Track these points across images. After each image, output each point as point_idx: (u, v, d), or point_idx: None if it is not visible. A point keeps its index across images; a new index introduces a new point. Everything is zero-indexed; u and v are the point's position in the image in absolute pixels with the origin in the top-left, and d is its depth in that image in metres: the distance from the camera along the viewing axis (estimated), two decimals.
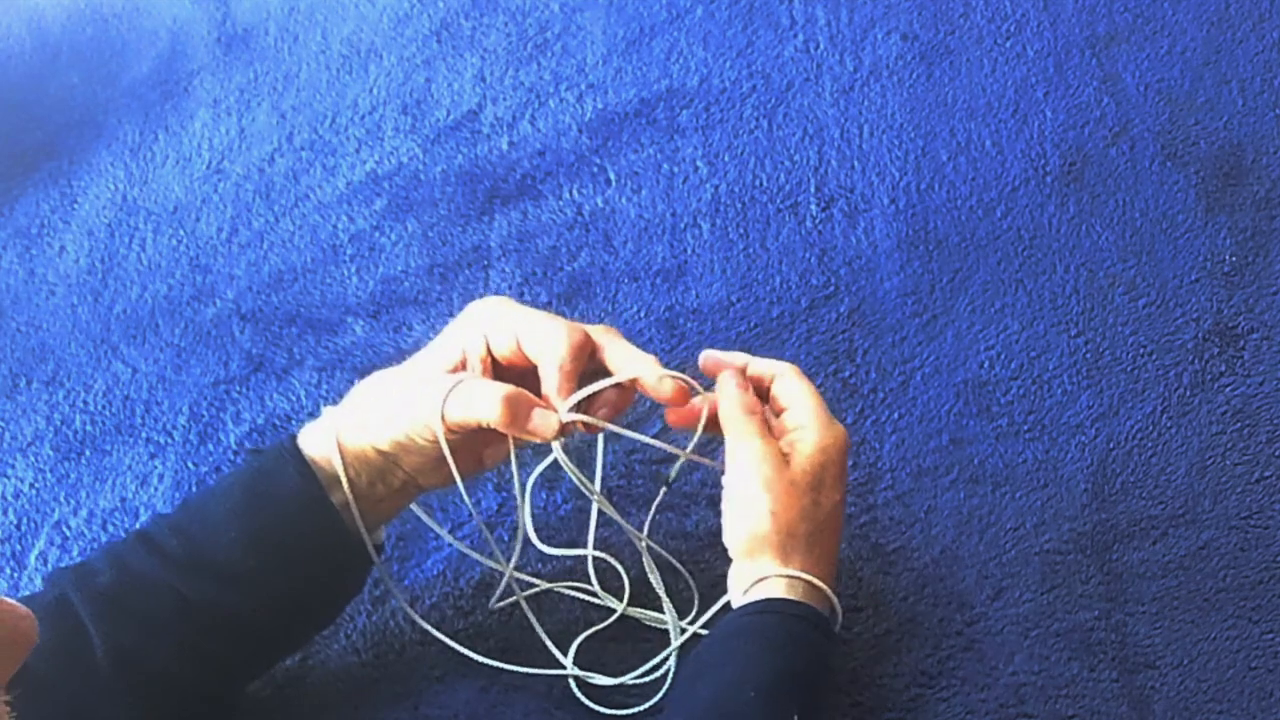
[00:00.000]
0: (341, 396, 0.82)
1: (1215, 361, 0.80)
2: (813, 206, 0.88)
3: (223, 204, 0.93)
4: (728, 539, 0.64)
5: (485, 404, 0.60)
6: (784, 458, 0.63)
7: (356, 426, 0.64)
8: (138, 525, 0.64)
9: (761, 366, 0.67)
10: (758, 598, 0.62)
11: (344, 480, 0.63)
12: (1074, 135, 0.89)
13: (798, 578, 0.62)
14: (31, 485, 0.81)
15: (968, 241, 0.86)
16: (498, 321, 0.64)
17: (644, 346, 0.83)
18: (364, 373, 0.83)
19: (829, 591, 0.63)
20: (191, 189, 0.95)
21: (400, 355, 0.84)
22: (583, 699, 0.70)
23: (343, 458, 0.63)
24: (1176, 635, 0.71)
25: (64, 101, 1.00)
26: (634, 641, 0.72)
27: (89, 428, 0.83)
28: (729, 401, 0.65)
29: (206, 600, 0.61)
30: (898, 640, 0.72)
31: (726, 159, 0.91)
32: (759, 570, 0.63)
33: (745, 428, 0.63)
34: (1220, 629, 0.71)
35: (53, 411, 0.84)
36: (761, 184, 0.90)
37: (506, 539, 0.76)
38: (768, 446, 0.63)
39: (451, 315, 0.86)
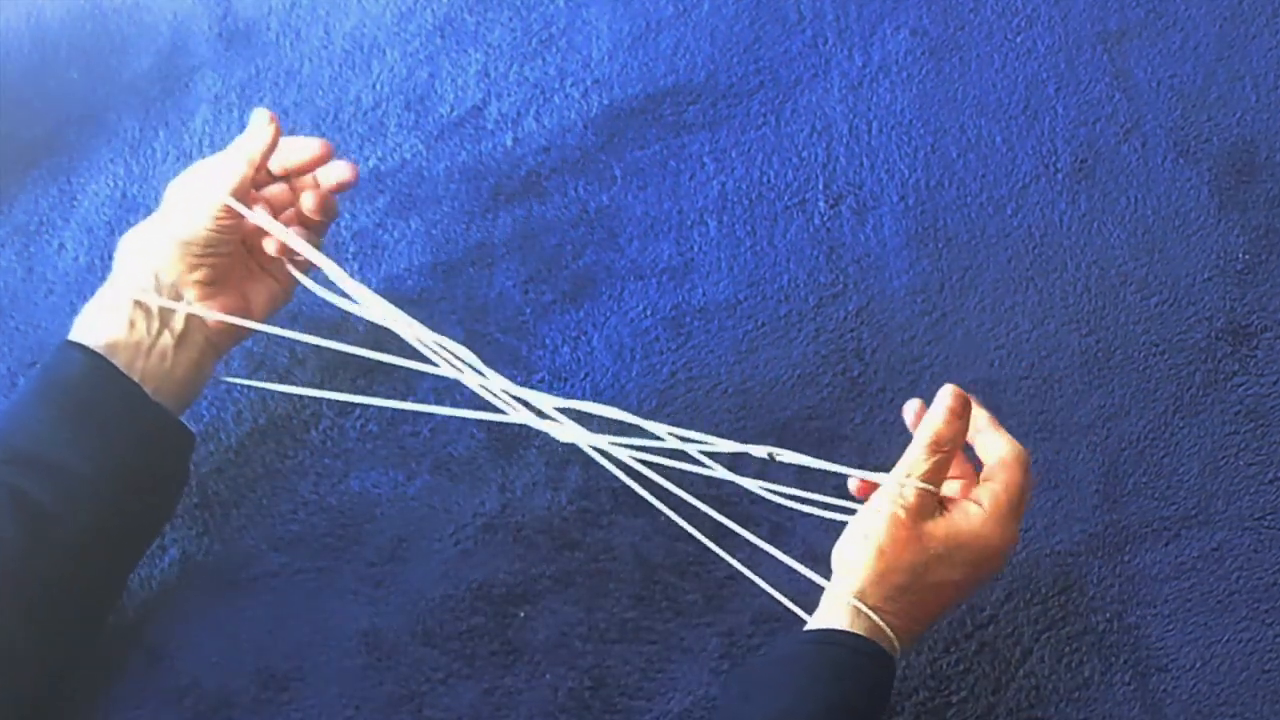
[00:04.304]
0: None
1: (1228, 360, 0.79)
2: (821, 204, 0.88)
3: None
4: (841, 541, 0.63)
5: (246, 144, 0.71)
6: (937, 509, 0.62)
7: (135, 288, 0.70)
8: None
9: (996, 442, 0.66)
10: (825, 626, 0.61)
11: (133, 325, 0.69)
12: (1085, 132, 0.89)
13: (863, 612, 0.61)
14: None
15: (977, 239, 0.85)
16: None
17: (650, 345, 0.83)
18: (366, 372, 0.82)
19: (893, 642, 0.61)
20: None
21: (403, 356, 0.83)
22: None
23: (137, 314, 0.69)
24: (1189, 637, 0.70)
25: (63, 97, 1.00)
26: (641, 644, 0.72)
27: None
28: (935, 428, 0.63)
29: (36, 487, 0.64)
30: None
31: (733, 156, 0.90)
32: (838, 589, 0.62)
33: (930, 465, 0.62)
34: (1233, 631, 0.71)
35: None
36: (769, 181, 0.89)
37: (511, 541, 0.75)
38: (928, 493, 0.62)
39: (455, 314, 0.85)
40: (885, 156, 0.89)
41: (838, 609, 0.61)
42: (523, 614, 0.73)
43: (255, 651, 0.73)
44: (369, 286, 0.87)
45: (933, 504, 0.62)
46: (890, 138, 0.90)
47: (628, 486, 0.76)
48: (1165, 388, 0.79)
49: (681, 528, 0.75)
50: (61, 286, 0.89)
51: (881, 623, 0.60)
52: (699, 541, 0.74)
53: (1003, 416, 0.77)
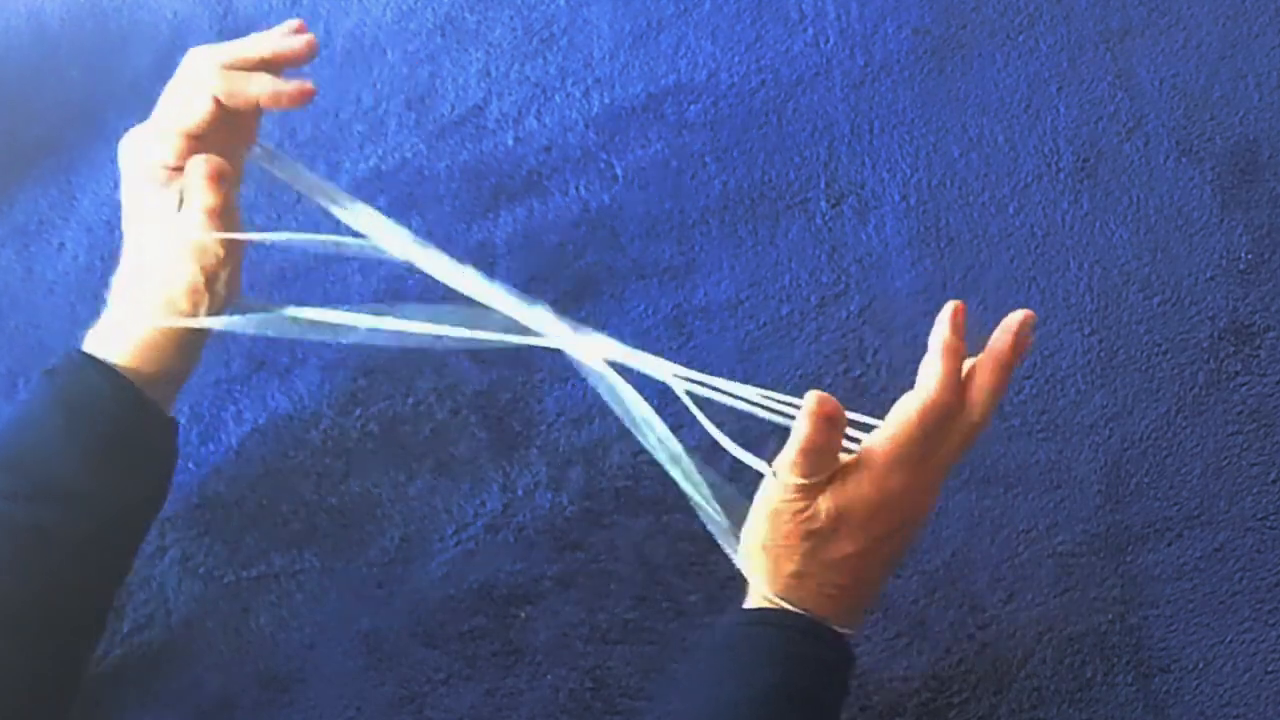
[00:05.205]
0: (344, 396, 0.82)
1: (1231, 360, 0.79)
2: (822, 203, 0.87)
3: None
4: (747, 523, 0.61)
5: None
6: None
7: (143, 313, 0.66)
8: None
9: (926, 379, 0.57)
10: (755, 605, 0.60)
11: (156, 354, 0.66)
12: (1087, 131, 0.88)
13: (776, 603, 0.59)
14: None
15: (980, 239, 0.85)
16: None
17: (651, 345, 0.82)
18: (367, 372, 0.82)
19: (825, 622, 0.59)
20: None
21: (403, 354, 0.83)
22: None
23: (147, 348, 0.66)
24: (1192, 639, 0.70)
25: (63, 96, 0.99)
26: (642, 644, 0.71)
27: None
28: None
29: (57, 523, 0.62)
30: (908, 644, 0.71)
31: (735, 155, 0.90)
32: (752, 579, 0.61)
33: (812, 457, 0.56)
34: (1236, 632, 0.70)
35: None
36: (770, 180, 0.89)
37: (513, 541, 0.75)
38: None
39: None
40: (887, 156, 0.89)
41: (755, 596, 0.60)
42: (524, 615, 0.73)
43: (256, 653, 0.73)
44: (369, 288, 0.87)
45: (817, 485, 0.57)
46: (892, 137, 0.90)
47: (629, 487, 0.76)
48: (1168, 388, 0.78)
49: (682, 528, 0.75)
50: (62, 286, 0.89)
51: (799, 610, 0.58)
52: (701, 541, 0.74)
53: (1005, 417, 0.77)
